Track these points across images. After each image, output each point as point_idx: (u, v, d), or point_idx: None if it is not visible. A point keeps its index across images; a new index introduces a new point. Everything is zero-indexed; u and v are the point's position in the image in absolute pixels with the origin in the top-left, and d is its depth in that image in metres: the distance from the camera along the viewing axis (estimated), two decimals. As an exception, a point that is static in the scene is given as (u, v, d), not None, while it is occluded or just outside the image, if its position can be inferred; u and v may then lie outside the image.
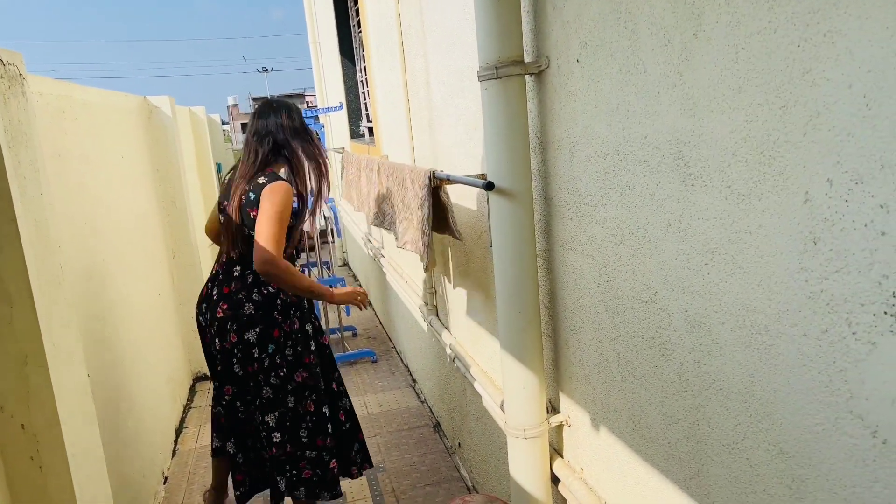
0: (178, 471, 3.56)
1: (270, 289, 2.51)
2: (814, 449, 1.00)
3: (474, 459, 3.06)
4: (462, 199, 2.58)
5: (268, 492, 2.73)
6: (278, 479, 2.60)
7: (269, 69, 51.52)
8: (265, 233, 2.34)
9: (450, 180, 2.19)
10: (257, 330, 2.48)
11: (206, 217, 3.27)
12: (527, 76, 1.76)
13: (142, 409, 3.20)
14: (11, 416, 1.70)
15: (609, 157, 1.46)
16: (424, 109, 3.04)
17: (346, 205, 6.52)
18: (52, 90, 2.51)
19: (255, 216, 2.40)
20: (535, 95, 1.78)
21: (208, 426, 4.04)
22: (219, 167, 8.38)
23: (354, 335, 5.53)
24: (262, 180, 2.44)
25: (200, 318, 2.63)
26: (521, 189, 1.77)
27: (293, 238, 2.58)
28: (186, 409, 4.32)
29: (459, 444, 3.32)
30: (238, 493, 2.70)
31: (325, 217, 4.74)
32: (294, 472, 2.59)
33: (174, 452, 3.75)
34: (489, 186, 1.78)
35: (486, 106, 1.77)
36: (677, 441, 1.36)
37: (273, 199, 2.38)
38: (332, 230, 5.03)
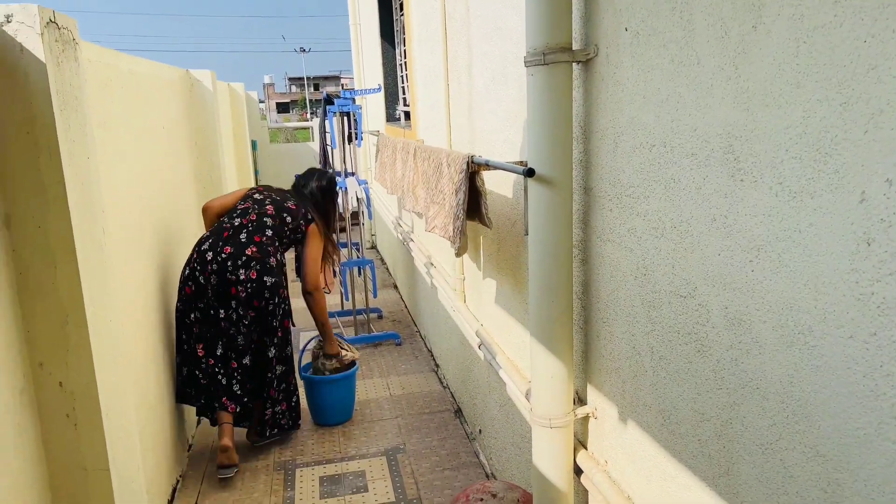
0: (203, 439, 3.63)
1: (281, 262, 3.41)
2: (853, 453, 0.98)
3: (494, 447, 3.07)
4: (497, 186, 2.57)
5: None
6: (266, 410, 3.38)
7: (307, 49, 51.71)
8: (313, 267, 3.56)
9: (489, 166, 2.18)
10: (274, 280, 3.27)
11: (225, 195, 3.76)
12: (574, 63, 1.74)
13: (170, 377, 3.25)
14: (50, 373, 1.74)
15: (655, 149, 1.44)
16: (464, 94, 3.03)
17: (378, 187, 6.54)
18: (100, 58, 2.55)
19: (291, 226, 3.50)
20: (581, 83, 1.76)
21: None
22: (254, 144, 8.45)
23: (380, 317, 5.57)
24: (297, 211, 3.56)
25: (214, 270, 3.23)
26: (562, 177, 1.76)
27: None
28: (212, 379, 4.39)
29: (480, 430, 3.34)
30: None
31: (357, 198, 4.78)
32: (277, 406, 3.41)
33: (199, 421, 3.82)
34: (530, 173, 1.77)
35: (531, 92, 1.76)
36: (708, 438, 1.35)
37: (317, 237, 3.59)
38: (363, 212, 5.06)
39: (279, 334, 3.35)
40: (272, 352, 3.33)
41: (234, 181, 6.07)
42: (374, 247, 8.17)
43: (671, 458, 1.50)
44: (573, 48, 1.71)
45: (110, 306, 1.93)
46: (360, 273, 5.43)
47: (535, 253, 1.86)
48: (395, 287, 6.39)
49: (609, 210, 1.68)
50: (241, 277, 3.19)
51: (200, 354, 3.26)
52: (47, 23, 1.64)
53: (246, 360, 3.29)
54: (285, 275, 3.47)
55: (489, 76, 2.61)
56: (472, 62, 2.85)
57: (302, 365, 3.85)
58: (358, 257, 5.23)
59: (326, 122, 5.05)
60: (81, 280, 1.73)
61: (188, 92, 4.32)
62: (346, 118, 4.83)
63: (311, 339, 3.99)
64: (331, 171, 3.93)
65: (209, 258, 3.22)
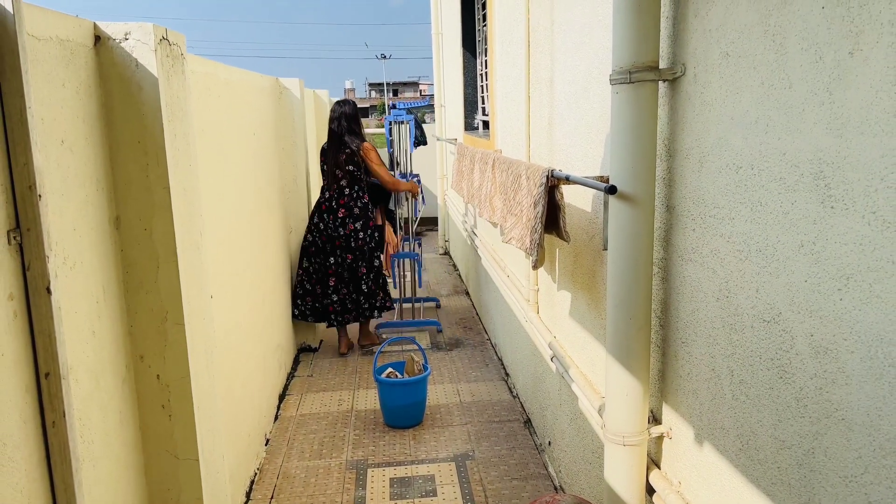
0: (279, 435, 3.77)
1: (363, 202, 4.82)
2: (944, 492, 0.96)
3: (564, 459, 3.06)
4: (575, 199, 2.58)
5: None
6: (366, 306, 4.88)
7: (388, 56, 52.64)
8: (382, 175, 4.94)
9: (569, 180, 2.20)
10: (360, 223, 4.77)
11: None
12: (660, 82, 1.74)
13: (251, 374, 3.40)
14: (149, 366, 1.86)
15: (742, 171, 1.43)
16: (545, 107, 3.05)
17: (451, 195, 6.61)
18: (200, 68, 2.71)
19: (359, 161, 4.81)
20: (666, 102, 1.76)
21: (309, 395, 4.25)
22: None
23: (438, 307, 5.75)
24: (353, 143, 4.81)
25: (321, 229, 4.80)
26: (644, 195, 1.76)
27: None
28: (290, 377, 4.55)
29: (549, 442, 3.34)
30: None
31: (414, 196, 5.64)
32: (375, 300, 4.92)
33: (276, 417, 3.96)
34: (612, 190, 1.78)
35: (615, 109, 1.77)
36: (788, 467, 1.33)
37: (369, 152, 4.83)
38: (418, 201, 5.88)
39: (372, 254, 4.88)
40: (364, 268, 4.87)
41: (317, 185, 6.26)
42: (446, 252, 8.25)
43: (748, 484, 1.48)
44: (660, 67, 1.71)
45: (206, 305, 2.05)
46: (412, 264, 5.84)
47: (614, 269, 1.86)
48: (467, 294, 6.44)
49: (692, 230, 1.67)
50: (341, 233, 4.75)
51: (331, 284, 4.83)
52: (160, 40, 1.77)
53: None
54: (370, 210, 4.89)
55: (571, 90, 2.62)
56: (553, 75, 2.87)
57: (376, 368, 3.95)
58: (411, 250, 5.75)
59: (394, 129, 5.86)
60: (181, 279, 1.85)
61: (277, 99, 4.50)
62: (400, 126, 5.69)
63: (385, 342, 4.21)
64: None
65: (322, 227, 4.78)
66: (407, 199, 5.55)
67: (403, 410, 3.79)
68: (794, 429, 1.31)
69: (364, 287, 4.85)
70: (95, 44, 1.72)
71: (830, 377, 1.19)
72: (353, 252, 4.77)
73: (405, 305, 5.74)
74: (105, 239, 1.73)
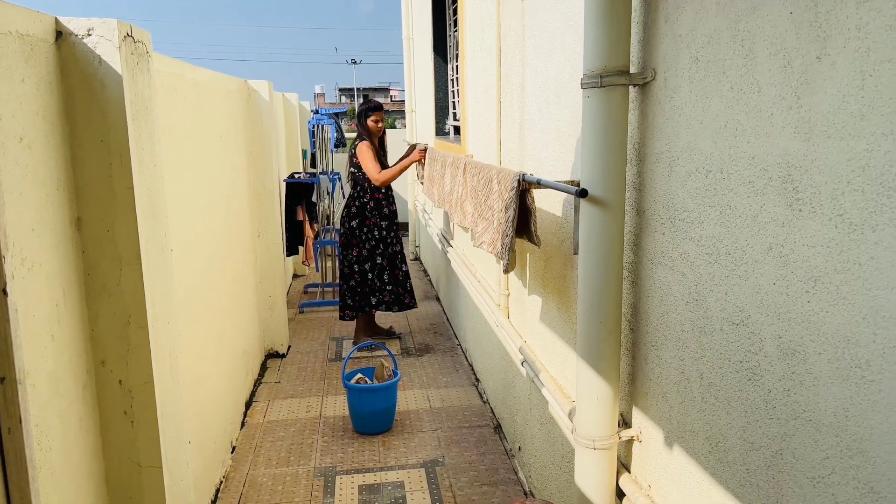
0: (246, 442, 3.71)
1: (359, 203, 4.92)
2: (910, 492, 0.97)
3: (534, 464, 3.06)
4: (546, 204, 2.59)
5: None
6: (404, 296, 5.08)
7: (358, 61, 52.49)
8: (370, 171, 4.75)
9: (540, 184, 2.20)
10: (357, 221, 4.91)
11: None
12: (631, 87, 1.75)
13: (217, 379, 3.34)
14: (111, 371, 1.81)
15: (711, 175, 1.44)
16: (516, 112, 3.05)
17: (423, 199, 6.60)
18: (167, 68, 2.66)
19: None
20: (637, 106, 1.77)
21: (277, 401, 4.20)
22: (304, 154, 8.61)
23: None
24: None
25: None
26: (614, 199, 1.77)
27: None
28: (257, 383, 4.48)
29: (520, 447, 3.33)
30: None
31: (328, 192, 6.57)
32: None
33: (243, 424, 3.90)
34: (583, 193, 1.78)
35: (587, 114, 1.77)
36: (757, 468, 1.34)
37: (363, 151, 4.76)
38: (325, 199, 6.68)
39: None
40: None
41: (285, 189, 6.20)
42: (417, 258, 8.22)
43: (718, 486, 1.49)
44: (630, 71, 1.72)
45: (170, 308, 2.00)
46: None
47: (585, 273, 1.86)
48: (438, 299, 6.43)
49: (662, 234, 1.68)
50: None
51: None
52: (125, 37, 1.73)
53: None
54: (367, 207, 4.91)
55: (542, 94, 2.63)
56: (525, 80, 2.87)
57: (345, 374, 3.91)
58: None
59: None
60: (144, 282, 1.80)
61: (246, 101, 4.44)
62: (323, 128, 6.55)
63: (354, 348, 4.18)
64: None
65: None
66: (329, 194, 6.40)
67: (373, 417, 3.76)
68: (763, 430, 1.31)
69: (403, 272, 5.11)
70: (57, 39, 1.67)
71: (798, 379, 1.20)
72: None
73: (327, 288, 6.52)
74: (66, 240, 1.68)
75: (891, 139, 0.97)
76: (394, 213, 5.02)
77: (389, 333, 5.33)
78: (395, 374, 3.89)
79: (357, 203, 4.89)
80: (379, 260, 4.94)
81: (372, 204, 4.90)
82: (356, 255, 4.92)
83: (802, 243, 1.17)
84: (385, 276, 4.97)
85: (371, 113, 4.86)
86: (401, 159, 4.76)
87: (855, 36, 1.03)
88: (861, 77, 1.02)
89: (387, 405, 3.79)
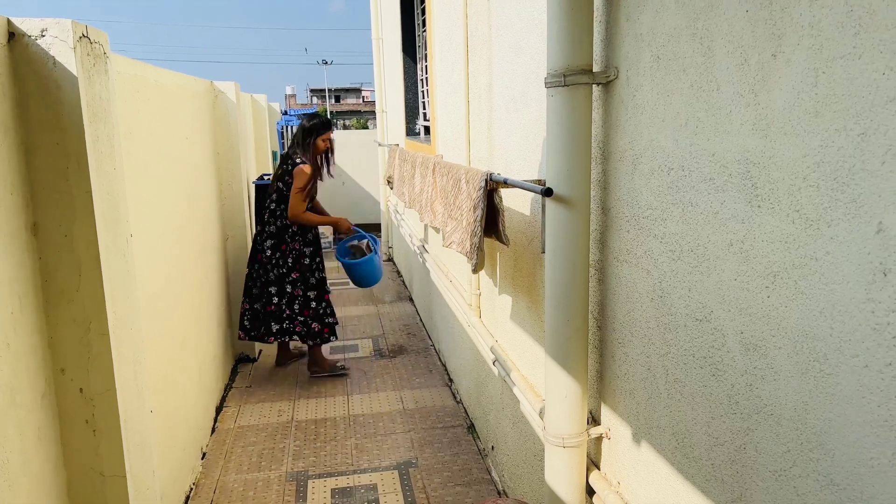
0: (216, 448, 3.66)
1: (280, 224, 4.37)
2: (867, 483, 0.98)
3: (507, 463, 3.06)
4: (514, 203, 2.59)
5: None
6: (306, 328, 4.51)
7: (329, 62, 52.26)
8: (293, 200, 4.24)
9: (507, 183, 2.20)
10: (271, 243, 4.38)
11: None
12: (594, 86, 1.76)
13: (186, 385, 3.29)
14: (71, 379, 1.77)
15: (673, 173, 1.45)
16: (484, 112, 3.05)
17: (395, 200, 6.57)
18: (128, 70, 2.61)
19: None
20: (600, 105, 1.78)
21: (248, 406, 4.15)
22: (275, 155, 8.54)
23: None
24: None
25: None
26: (580, 198, 1.77)
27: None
28: (227, 388, 4.42)
29: (493, 447, 3.33)
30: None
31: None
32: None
33: (213, 430, 3.85)
34: (548, 192, 1.78)
35: (551, 113, 1.78)
36: (722, 463, 1.35)
37: (299, 175, 4.24)
38: None
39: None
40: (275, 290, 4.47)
41: (255, 191, 6.13)
42: (390, 259, 8.20)
43: (684, 482, 1.50)
44: (593, 70, 1.72)
45: (133, 315, 1.97)
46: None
47: (552, 271, 1.86)
48: (411, 300, 6.41)
49: (626, 231, 1.69)
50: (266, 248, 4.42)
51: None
52: (80, 37, 1.69)
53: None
54: (289, 231, 4.38)
55: (509, 95, 2.63)
56: (492, 80, 2.87)
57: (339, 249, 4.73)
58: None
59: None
60: (105, 288, 1.76)
61: (212, 103, 4.39)
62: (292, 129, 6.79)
63: (349, 239, 4.82)
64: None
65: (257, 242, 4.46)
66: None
67: (362, 279, 4.62)
68: (727, 425, 1.33)
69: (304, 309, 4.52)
70: (10, 41, 1.63)
71: (760, 374, 1.21)
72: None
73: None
74: (21, 246, 1.64)
75: (844, 135, 0.98)
76: (318, 238, 4.52)
77: (333, 369, 4.64)
78: (375, 251, 4.62)
79: (278, 223, 4.33)
80: (289, 288, 4.39)
81: (295, 227, 4.36)
82: (266, 277, 4.40)
83: (761, 239, 1.18)
84: (295, 306, 4.43)
85: (324, 131, 4.38)
86: (326, 216, 4.58)
87: (808, 33, 1.04)
88: (815, 74, 1.03)
89: (373, 269, 4.59)
